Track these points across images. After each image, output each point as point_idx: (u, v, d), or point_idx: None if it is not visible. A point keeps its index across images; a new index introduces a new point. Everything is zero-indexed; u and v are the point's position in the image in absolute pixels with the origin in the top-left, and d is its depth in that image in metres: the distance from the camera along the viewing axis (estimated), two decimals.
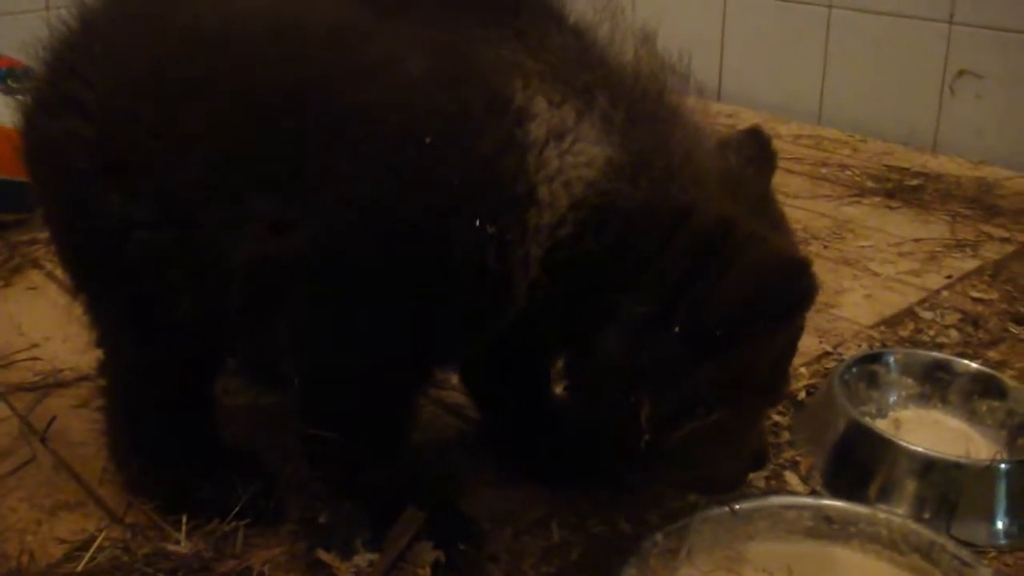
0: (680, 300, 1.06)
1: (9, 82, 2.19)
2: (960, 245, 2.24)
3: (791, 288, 1.05)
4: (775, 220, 1.18)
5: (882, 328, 1.87)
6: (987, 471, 1.34)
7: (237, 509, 1.29)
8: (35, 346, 1.78)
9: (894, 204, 2.49)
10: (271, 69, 1.13)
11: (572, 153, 1.07)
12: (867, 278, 2.09)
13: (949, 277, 2.08)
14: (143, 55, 1.20)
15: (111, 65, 1.21)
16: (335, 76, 1.11)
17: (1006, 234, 2.29)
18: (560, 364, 1.32)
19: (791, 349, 1.19)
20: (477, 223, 1.06)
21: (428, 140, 1.06)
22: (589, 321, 1.11)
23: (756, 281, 1.05)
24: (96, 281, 1.32)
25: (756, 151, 1.20)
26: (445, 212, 1.07)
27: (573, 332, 1.15)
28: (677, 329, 1.05)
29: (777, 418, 1.56)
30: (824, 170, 2.70)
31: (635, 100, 1.11)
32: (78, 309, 1.36)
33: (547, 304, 1.12)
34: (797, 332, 1.18)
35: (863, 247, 2.24)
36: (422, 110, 1.07)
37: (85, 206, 1.21)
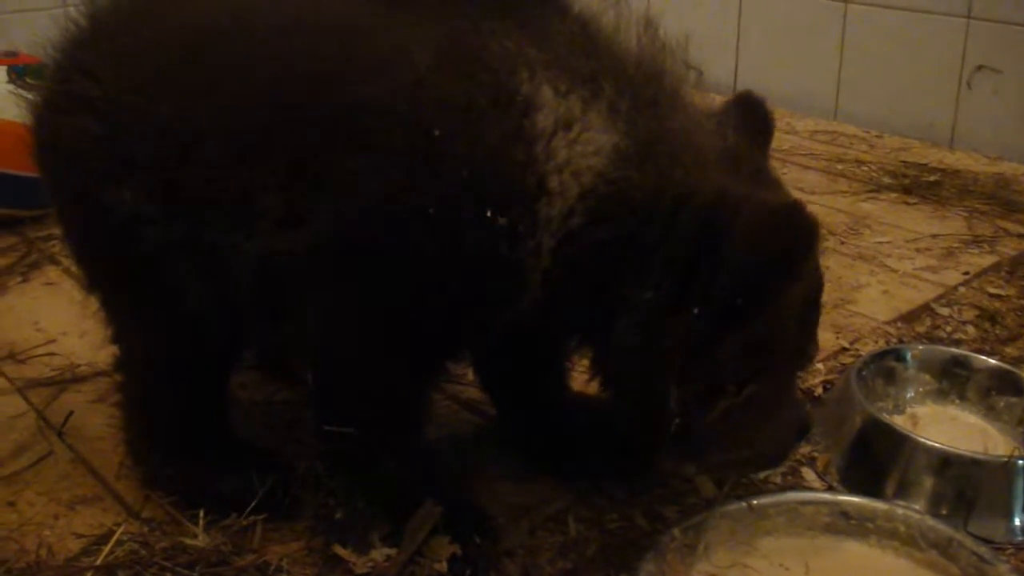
0: (693, 280, 1.05)
1: (27, 79, 2.20)
2: (977, 241, 2.23)
3: (790, 232, 1.04)
4: (771, 188, 1.17)
5: (899, 324, 1.86)
6: (1005, 467, 1.33)
7: (254, 504, 1.29)
8: (52, 341, 1.79)
9: (911, 200, 2.48)
10: (278, 65, 1.13)
11: (580, 142, 1.08)
12: (884, 274, 2.08)
13: (966, 273, 2.07)
14: (151, 53, 1.20)
15: (120, 63, 1.21)
16: (342, 70, 1.11)
17: (1023, 230, 2.28)
18: (576, 357, 1.31)
19: (814, 306, 1.18)
20: (488, 214, 1.06)
21: (436, 132, 1.06)
22: (604, 310, 1.11)
23: (756, 236, 1.03)
24: (110, 277, 1.32)
25: (751, 119, 1.20)
26: (455, 204, 1.07)
27: (590, 323, 1.15)
28: (696, 310, 1.05)
29: None
30: (840, 166, 2.69)
31: (638, 86, 1.11)
32: (94, 305, 1.37)
33: (561, 295, 1.12)
34: (815, 286, 1.17)
35: (880, 243, 2.23)
36: (429, 103, 1.07)
37: (97, 204, 1.21)
